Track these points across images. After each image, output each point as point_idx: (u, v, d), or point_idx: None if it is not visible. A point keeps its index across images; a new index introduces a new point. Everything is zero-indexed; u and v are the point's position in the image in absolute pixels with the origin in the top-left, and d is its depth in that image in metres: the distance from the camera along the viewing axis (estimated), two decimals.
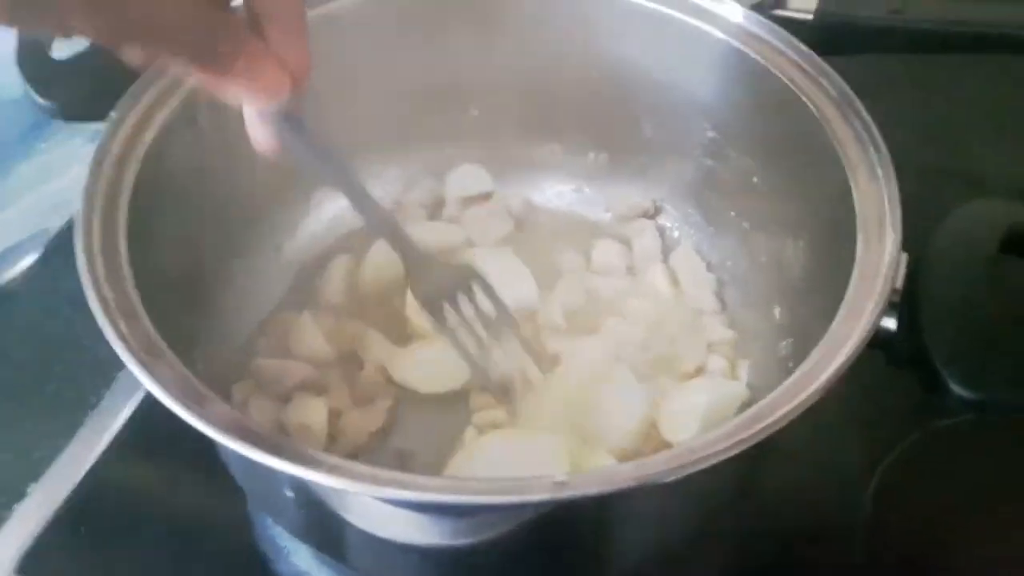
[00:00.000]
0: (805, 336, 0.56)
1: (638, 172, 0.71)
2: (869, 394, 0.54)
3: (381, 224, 0.55)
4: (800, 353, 0.56)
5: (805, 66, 0.57)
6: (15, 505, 0.58)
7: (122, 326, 0.42)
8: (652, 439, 0.58)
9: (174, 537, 0.58)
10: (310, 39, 0.41)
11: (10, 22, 0.32)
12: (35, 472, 0.60)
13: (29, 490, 0.59)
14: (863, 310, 0.45)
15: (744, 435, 0.39)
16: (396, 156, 0.72)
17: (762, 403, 0.41)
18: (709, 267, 0.69)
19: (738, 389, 0.60)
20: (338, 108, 0.63)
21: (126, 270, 0.46)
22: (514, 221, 0.72)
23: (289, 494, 0.46)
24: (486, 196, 0.73)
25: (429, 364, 0.61)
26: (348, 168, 0.52)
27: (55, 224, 0.72)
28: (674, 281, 0.68)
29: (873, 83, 0.54)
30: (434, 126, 0.71)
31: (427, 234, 0.69)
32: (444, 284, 0.57)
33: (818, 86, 0.56)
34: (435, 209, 0.73)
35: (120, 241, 0.47)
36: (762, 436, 0.39)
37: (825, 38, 0.60)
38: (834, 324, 0.45)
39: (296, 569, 0.57)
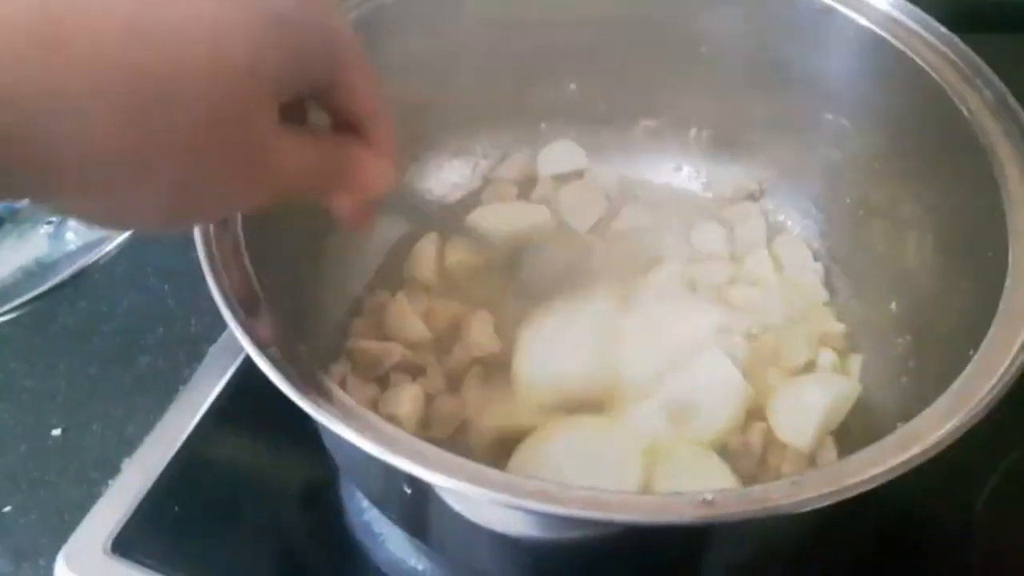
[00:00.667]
0: (927, 334, 0.55)
1: (744, 151, 0.68)
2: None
3: None
4: (921, 353, 0.55)
5: (939, 45, 0.53)
6: (110, 480, 0.58)
7: (243, 315, 0.41)
8: (754, 432, 0.56)
9: (267, 514, 0.58)
10: None
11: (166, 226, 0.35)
12: (129, 447, 0.59)
13: (123, 465, 0.59)
14: (1022, 322, 0.41)
15: (902, 459, 0.37)
16: (487, 130, 0.70)
17: (917, 420, 0.39)
18: (816, 255, 0.65)
19: (853, 387, 0.57)
20: (431, 76, 0.62)
21: (244, 253, 0.44)
22: (608, 202, 0.69)
23: (404, 490, 0.44)
24: (580, 174, 0.70)
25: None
26: None
27: None
28: (779, 268, 0.65)
29: (1009, 64, 0.50)
30: (530, 99, 0.68)
31: (514, 215, 0.67)
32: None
33: (955, 68, 0.52)
34: (526, 186, 0.70)
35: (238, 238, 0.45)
36: (916, 462, 0.37)
37: (960, 14, 0.55)
38: (989, 336, 0.41)
39: (391, 556, 0.56)
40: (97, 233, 0.66)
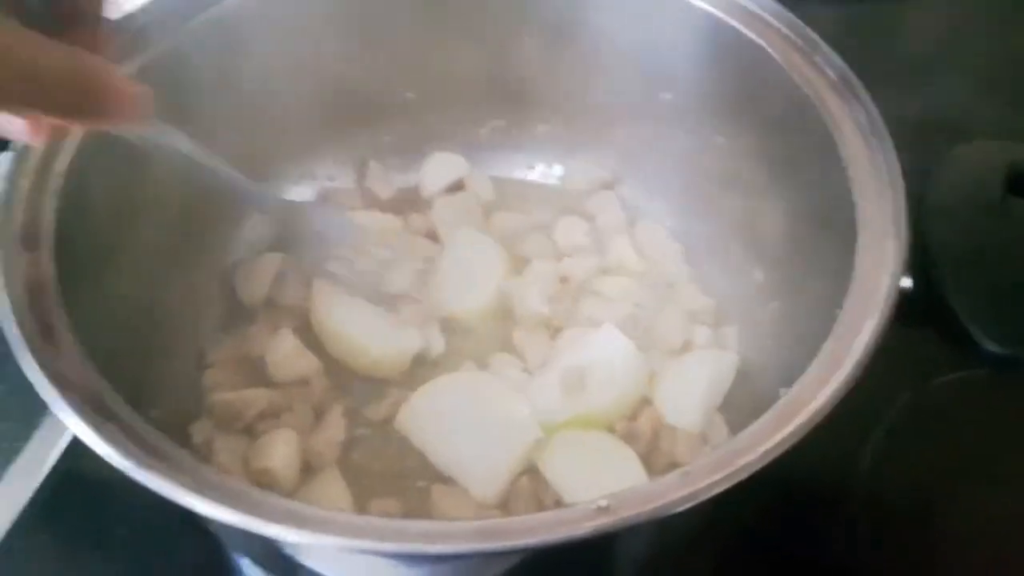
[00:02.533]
0: (794, 298, 0.55)
1: (593, 142, 0.67)
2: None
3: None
4: (791, 317, 0.55)
5: (777, 23, 0.54)
6: None
7: (71, 390, 0.36)
8: (643, 417, 0.56)
9: (144, 541, 0.55)
10: None
11: None
12: None
13: None
14: (880, 273, 0.42)
15: (786, 431, 0.36)
16: (329, 146, 0.67)
17: (795, 389, 0.39)
18: (676, 235, 0.66)
19: (731, 358, 0.58)
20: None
21: (61, 318, 0.40)
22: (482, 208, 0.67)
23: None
24: (460, 184, 0.68)
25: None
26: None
27: None
28: (641, 253, 0.64)
29: (843, 32, 0.51)
30: (367, 111, 0.66)
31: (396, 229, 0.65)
32: None
33: (781, 35, 0.53)
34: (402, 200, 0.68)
35: (49, 285, 0.40)
36: (802, 433, 0.37)
37: None
38: (852, 288, 0.42)
39: None
40: None
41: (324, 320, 0.59)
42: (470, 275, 0.62)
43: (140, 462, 0.35)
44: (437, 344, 0.59)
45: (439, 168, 0.69)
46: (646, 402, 0.56)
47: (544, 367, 0.57)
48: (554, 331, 0.60)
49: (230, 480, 0.35)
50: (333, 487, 0.52)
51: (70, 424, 0.36)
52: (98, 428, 0.36)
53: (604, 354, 0.56)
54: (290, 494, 0.51)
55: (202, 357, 0.58)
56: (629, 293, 0.62)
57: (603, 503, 0.34)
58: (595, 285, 0.62)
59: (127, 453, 0.35)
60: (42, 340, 0.39)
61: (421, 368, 0.58)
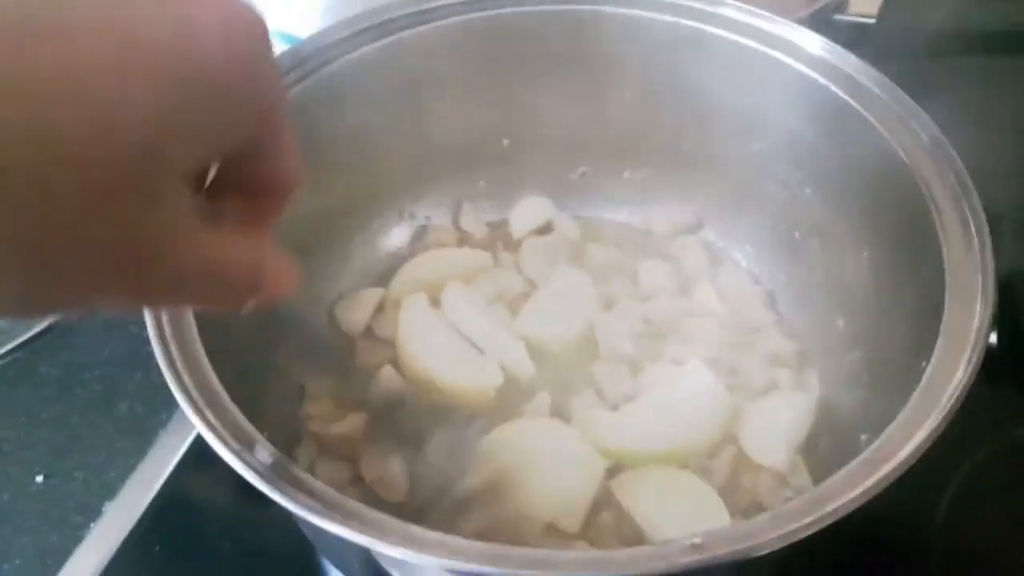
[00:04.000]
0: (877, 347, 0.56)
1: (677, 189, 0.70)
2: None
3: None
4: (873, 365, 0.56)
5: (859, 76, 0.56)
6: (92, 524, 0.59)
7: (208, 414, 0.40)
8: (723, 455, 0.57)
9: (245, 554, 0.58)
10: None
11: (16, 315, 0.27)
12: (110, 491, 0.60)
13: (105, 508, 0.60)
14: (968, 329, 0.43)
15: (874, 479, 0.38)
16: (429, 188, 0.70)
17: (883, 438, 0.40)
18: (758, 279, 0.68)
19: (813, 399, 0.59)
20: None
21: (196, 344, 0.44)
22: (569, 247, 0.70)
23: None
24: (549, 226, 0.72)
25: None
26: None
27: None
28: (724, 297, 0.66)
29: (936, 86, 0.52)
30: (463, 158, 0.69)
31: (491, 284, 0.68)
32: None
33: (874, 97, 0.55)
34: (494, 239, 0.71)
35: (191, 332, 0.44)
36: (890, 480, 0.38)
37: (887, 41, 0.58)
38: (940, 342, 0.43)
39: None
40: None
41: (409, 355, 0.61)
42: (561, 307, 0.65)
43: (276, 486, 0.38)
44: (527, 369, 0.61)
45: (529, 210, 0.72)
46: (728, 440, 0.58)
47: (629, 401, 0.59)
48: (635, 368, 0.62)
49: (347, 500, 0.38)
50: None
51: (213, 444, 0.39)
52: (234, 450, 0.39)
53: (690, 390, 0.58)
54: (404, 504, 0.55)
55: (303, 388, 0.61)
56: (712, 335, 0.63)
57: (697, 540, 0.36)
58: (678, 326, 0.64)
59: (263, 476, 0.38)
60: (184, 369, 0.42)
61: (507, 394, 0.60)
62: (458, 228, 0.71)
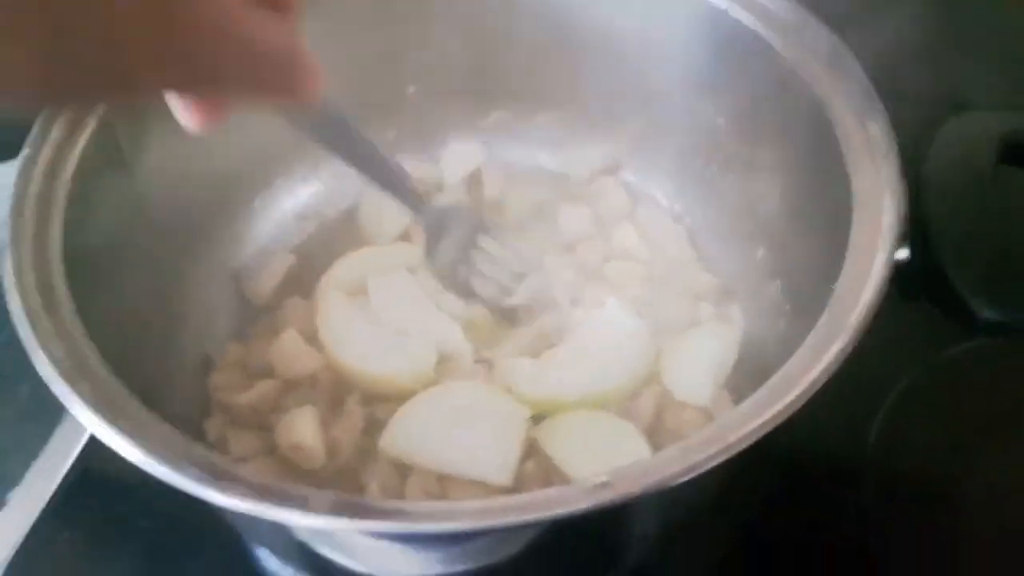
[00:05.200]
0: (797, 275, 0.55)
1: (591, 129, 0.68)
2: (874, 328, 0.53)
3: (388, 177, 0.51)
4: (794, 294, 0.56)
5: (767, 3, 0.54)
6: None
7: (84, 387, 0.37)
8: (646, 396, 0.56)
9: (162, 538, 0.56)
10: None
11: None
12: (13, 479, 0.57)
13: (8, 497, 0.57)
14: (875, 245, 0.42)
15: (777, 408, 0.37)
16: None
17: (791, 362, 0.39)
18: (677, 217, 0.66)
19: (735, 332, 0.58)
20: None
21: (72, 321, 0.41)
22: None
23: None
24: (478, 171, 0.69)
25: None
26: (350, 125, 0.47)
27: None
28: (644, 237, 0.65)
29: (844, 8, 0.51)
30: (365, 106, 0.66)
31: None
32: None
33: (771, 15, 0.53)
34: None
35: (60, 290, 0.42)
36: (798, 404, 0.37)
37: None
38: (847, 262, 0.42)
39: None
40: None
41: (327, 337, 0.59)
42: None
43: (153, 456, 0.36)
44: (464, 349, 0.59)
45: (458, 156, 0.70)
46: (651, 380, 0.57)
47: (549, 348, 0.58)
48: (557, 315, 0.60)
49: (243, 469, 0.36)
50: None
51: (86, 422, 0.37)
52: (113, 424, 0.36)
53: (610, 332, 0.57)
54: (321, 470, 0.53)
55: (209, 358, 0.59)
56: (634, 276, 0.62)
57: (604, 479, 0.34)
58: (600, 269, 0.63)
59: (141, 448, 0.36)
60: (57, 341, 0.40)
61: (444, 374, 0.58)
62: None
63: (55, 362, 0.39)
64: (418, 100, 0.67)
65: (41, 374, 0.38)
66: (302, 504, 0.34)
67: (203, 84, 0.29)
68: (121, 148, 0.50)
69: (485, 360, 0.59)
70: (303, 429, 0.53)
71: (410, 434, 0.53)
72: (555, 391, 0.55)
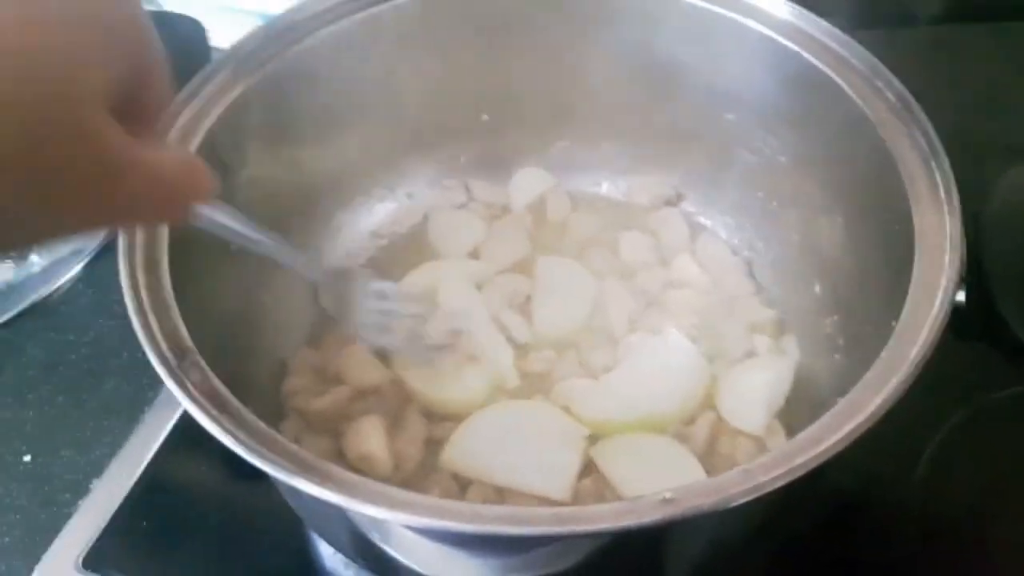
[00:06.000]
0: (853, 311, 0.57)
1: (655, 160, 0.70)
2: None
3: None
4: (849, 329, 0.57)
5: (827, 41, 0.56)
6: (80, 501, 0.60)
7: (189, 386, 0.41)
8: (701, 422, 0.58)
9: (232, 530, 0.59)
10: None
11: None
12: (98, 469, 0.61)
13: (92, 486, 0.61)
14: (936, 285, 0.44)
15: (842, 434, 0.38)
16: (403, 164, 0.70)
17: (851, 396, 0.41)
18: (736, 249, 0.68)
19: (790, 363, 0.60)
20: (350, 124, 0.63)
21: (177, 320, 0.44)
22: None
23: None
24: (544, 198, 0.72)
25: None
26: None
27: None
28: (703, 268, 0.67)
29: (909, 55, 0.53)
30: (445, 135, 0.70)
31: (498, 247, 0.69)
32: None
33: (842, 60, 0.55)
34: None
35: (167, 292, 0.45)
36: (858, 434, 0.39)
37: (859, 12, 0.58)
38: (908, 302, 0.44)
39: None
40: (62, 252, 0.69)
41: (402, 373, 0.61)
42: (561, 301, 0.65)
43: (254, 450, 0.38)
44: (511, 378, 0.61)
45: (525, 182, 0.72)
46: (706, 407, 0.59)
47: (609, 372, 0.60)
48: (616, 340, 0.63)
49: (329, 465, 0.39)
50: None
51: (193, 412, 0.40)
52: (215, 419, 0.39)
53: (668, 358, 0.59)
54: (386, 480, 0.54)
55: (285, 363, 0.62)
56: (691, 305, 0.64)
57: (668, 495, 0.36)
58: (659, 298, 0.65)
59: (238, 439, 0.39)
60: (164, 340, 0.43)
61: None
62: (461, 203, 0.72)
63: (164, 360, 0.41)
64: (490, 127, 0.70)
65: (157, 370, 0.41)
66: (387, 502, 0.37)
67: (120, 218, 0.34)
68: (224, 160, 0.53)
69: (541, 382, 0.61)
70: (371, 439, 0.56)
71: (472, 449, 0.55)
72: (611, 413, 0.57)
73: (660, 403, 0.57)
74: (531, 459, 0.55)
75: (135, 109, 0.34)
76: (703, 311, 0.64)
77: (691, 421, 0.58)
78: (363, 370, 0.60)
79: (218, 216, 0.41)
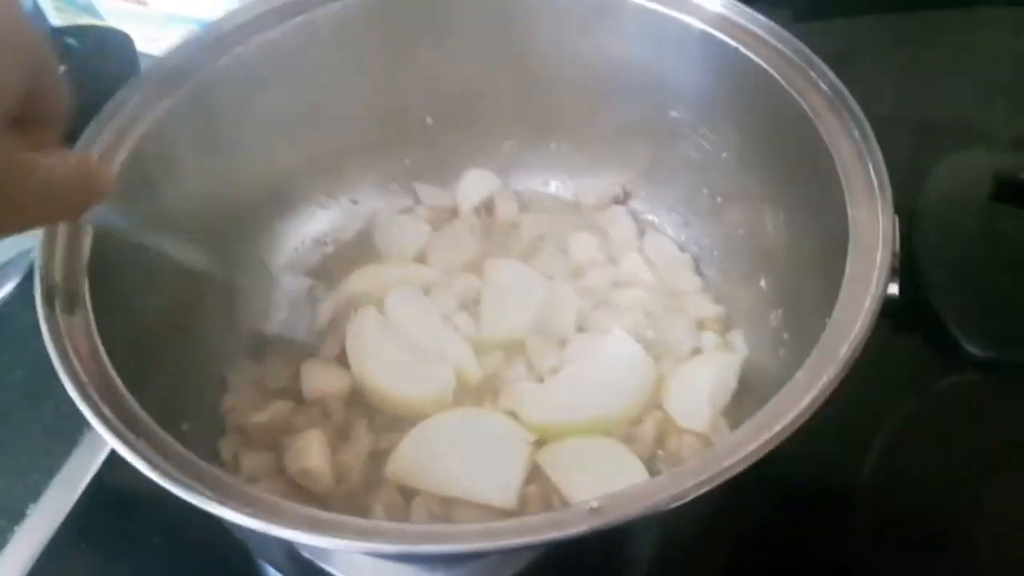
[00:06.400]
0: (796, 305, 0.57)
1: (603, 159, 0.70)
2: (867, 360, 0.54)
3: None
4: (793, 323, 0.57)
5: (762, 34, 0.56)
6: (16, 527, 0.58)
7: (104, 408, 0.40)
8: (647, 421, 0.57)
9: (175, 551, 0.57)
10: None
11: None
12: (34, 493, 0.59)
13: (28, 511, 0.59)
14: (868, 278, 0.44)
15: (771, 433, 0.38)
16: (352, 170, 0.69)
17: (783, 393, 0.40)
18: (683, 246, 0.68)
19: (736, 359, 0.60)
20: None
21: (95, 339, 0.43)
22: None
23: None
24: (491, 199, 0.71)
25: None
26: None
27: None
28: (651, 265, 0.66)
29: (853, 45, 0.53)
30: (385, 136, 0.68)
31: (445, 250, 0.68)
32: None
33: (779, 54, 0.55)
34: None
35: (87, 309, 0.44)
36: (788, 432, 0.38)
37: (802, 3, 0.58)
38: (841, 296, 0.43)
39: None
40: None
41: (357, 359, 0.60)
42: (510, 302, 0.64)
43: (168, 474, 0.37)
44: (474, 372, 0.60)
45: (473, 184, 0.71)
46: (653, 407, 0.58)
47: (555, 373, 0.59)
48: (563, 341, 0.62)
49: (252, 488, 0.38)
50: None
51: (108, 439, 0.39)
52: (131, 444, 0.38)
53: (614, 359, 0.59)
54: (328, 494, 0.54)
55: (224, 378, 0.61)
56: (639, 303, 0.64)
57: (595, 504, 0.36)
58: (608, 297, 0.64)
59: (156, 466, 0.38)
60: (78, 360, 0.42)
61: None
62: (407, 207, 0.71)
63: (79, 384, 0.40)
64: (435, 129, 0.69)
65: (70, 394, 0.40)
66: (309, 525, 0.36)
67: (22, 223, 0.36)
68: (149, 176, 0.52)
69: (491, 383, 0.60)
70: (310, 453, 0.55)
71: (416, 459, 0.55)
72: (559, 416, 0.57)
73: (606, 404, 0.57)
74: (475, 468, 0.54)
75: (31, 117, 0.35)
76: (651, 309, 0.63)
77: (638, 421, 0.57)
78: (321, 378, 0.59)
79: (113, 219, 0.43)
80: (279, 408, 0.57)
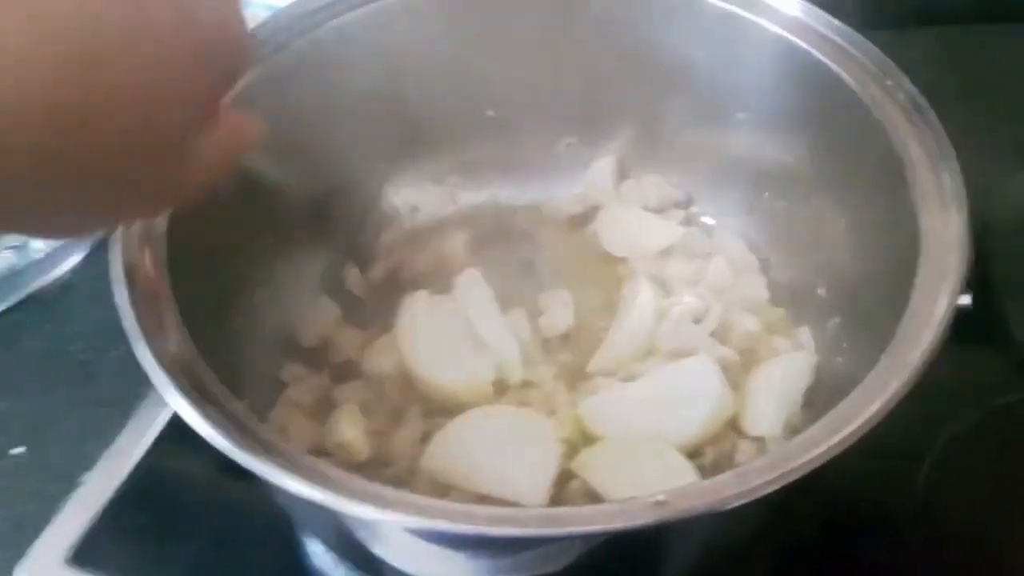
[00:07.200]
0: (855, 314, 0.56)
1: (665, 161, 0.69)
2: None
3: None
4: (852, 332, 0.56)
5: (838, 39, 0.55)
6: (69, 494, 0.59)
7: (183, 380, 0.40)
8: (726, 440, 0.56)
9: (222, 526, 0.58)
10: None
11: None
12: (89, 463, 0.60)
13: (82, 479, 0.60)
14: (939, 291, 0.43)
15: (834, 441, 0.38)
16: (413, 162, 0.70)
17: (850, 399, 0.40)
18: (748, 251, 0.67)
19: (807, 357, 0.58)
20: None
21: (171, 308, 0.44)
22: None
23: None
24: None
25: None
26: None
27: None
28: (717, 272, 0.65)
29: (918, 57, 0.52)
30: (447, 130, 0.69)
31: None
32: None
33: (853, 59, 0.54)
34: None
35: (163, 273, 0.45)
36: (856, 437, 0.38)
37: (867, 13, 0.57)
38: (911, 303, 0.43)
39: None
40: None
41: (405, 340, 0.60)
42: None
43: (240, 444, 0.38)
44: (515, 372, 0.59)
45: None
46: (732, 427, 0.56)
47: (628, 383, 0.58)
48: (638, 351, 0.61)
49: (311, 459, 0.38)
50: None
51: (177, 407, 0.39)
52: (203, 411, 0.39)
53: (691, 383, 0.56)
54: (375, 475, 0.53)
55: (285, 350, 0.61)
56: (710, 308, 0.62)
57: (660, 497, 0.36)
58: (682, 301, 0.63)
59: (228, 436, 0.38)
60: (153, 328, 0.42)
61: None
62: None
63: (158, 358, 0.41)
64: (494, 123, 0.69)
65: (144, 368, 0.41)
66: (371, 499, 0.36)
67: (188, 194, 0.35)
68: None
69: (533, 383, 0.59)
70: (347, 426, 0.55)
71: (449, 454, 0.54)
72: (621, 431, 0.55)
73: (670, 431, 0.54)
74: (506, 465, 0.53)
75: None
76: (724, 314, 0.62)
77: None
78: (383, 355, 0.60)
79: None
80: (322, 379, 0.58)
